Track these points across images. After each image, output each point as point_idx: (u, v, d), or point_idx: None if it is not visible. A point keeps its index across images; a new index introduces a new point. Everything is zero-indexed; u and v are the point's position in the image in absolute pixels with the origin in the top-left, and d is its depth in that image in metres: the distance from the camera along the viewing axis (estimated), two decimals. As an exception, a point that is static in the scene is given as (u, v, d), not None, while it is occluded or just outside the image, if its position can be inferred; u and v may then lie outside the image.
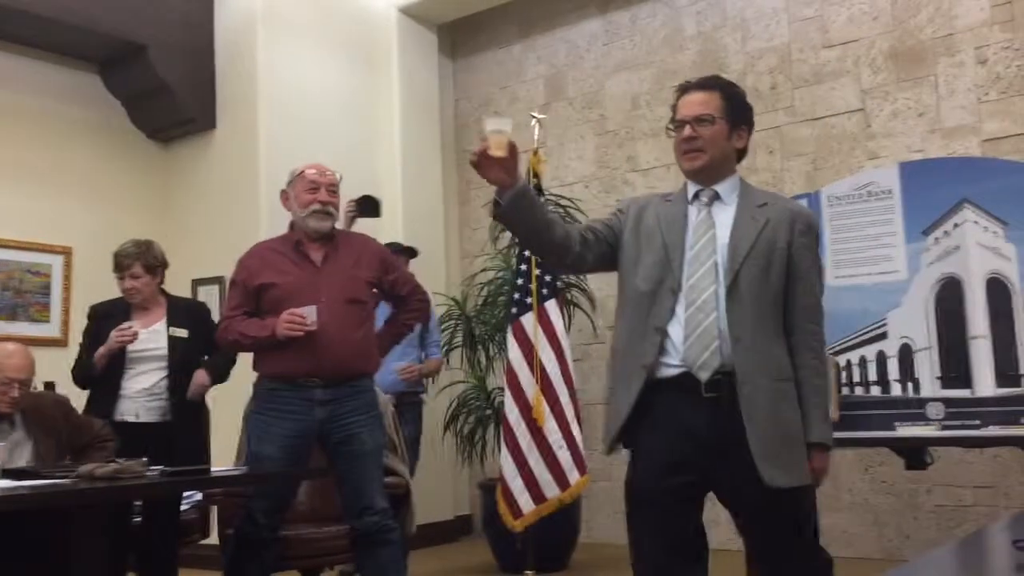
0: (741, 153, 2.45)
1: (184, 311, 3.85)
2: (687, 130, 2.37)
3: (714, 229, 2.34)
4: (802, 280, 2.33)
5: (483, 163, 2.23)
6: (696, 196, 2.40)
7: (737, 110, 2.40)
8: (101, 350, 3.65)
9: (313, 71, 5.94)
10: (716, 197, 2.38)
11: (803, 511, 2.32)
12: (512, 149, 2.24)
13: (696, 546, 2.34)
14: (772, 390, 2.25)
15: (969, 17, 4.96)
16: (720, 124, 2.36)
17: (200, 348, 3.84)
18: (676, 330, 2.28)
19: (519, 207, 2.28)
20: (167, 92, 5.69)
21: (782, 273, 2.31)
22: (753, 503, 2.28)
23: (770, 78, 5.55)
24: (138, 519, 3.57)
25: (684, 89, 2.44)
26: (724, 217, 2.35)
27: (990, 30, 4.90)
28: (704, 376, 2.25)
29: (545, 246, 2.39)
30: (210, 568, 4.90)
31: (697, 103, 2.38)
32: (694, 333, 2.26)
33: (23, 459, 3.23)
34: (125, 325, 3.65)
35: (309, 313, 3.22)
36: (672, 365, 2.28)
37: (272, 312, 3.33)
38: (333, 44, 6.08)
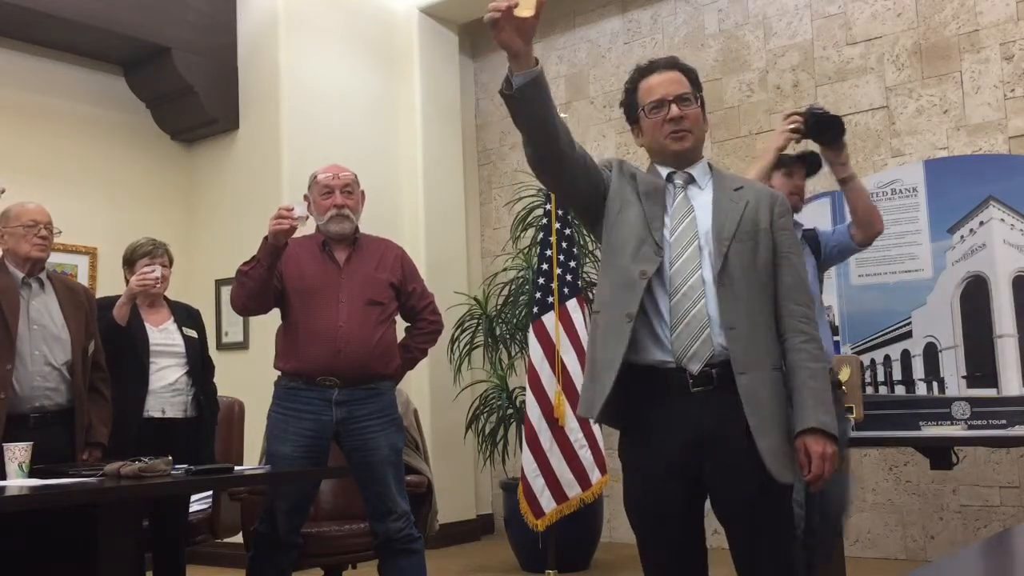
0: None
1: (186, 314, 3.86)
2: (674, 109, 2.20)
3: (694, 213, 2.20)
4: (785, 259, 2.20)
5: (502, 22, 1.95)
6: (669, 179, 2.25)
7: (700, 93, 2.28)
8: (122, 299, 3.62)
9: (335, 71, 5.96)
10: (691, 180, 2.25)
11: (790, 512, 2.20)
12: (539, 10, 1.95)
13: (700, 551, 2.22)
14: (772, 379, 2.12)
15: (994, 13, 4.91)
16: (697, 105, 2.25)
17: (204, 352, 3.86)
18: (659, 320, 2.13)
19: (532, 95, 2.03)
20: (190, 93, 5.74)
21: (768, 254, 2.18)
22: (745, 502, 2.12)
23: (793, 76, 5.52)
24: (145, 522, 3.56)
25: (652, 69, 2.27)
26: (702, 201, 2.22)
27: (1016, 26, 4.85)
28: (695, 368, 2.09)
29: (545, 150, 2.13)
30: (218, 566, 4.96)
31: (676, 82, 2.23)
32: (682, 323, 2.10)
33: (54, 321, 3.28)
34: (147, 268, 3.62)
35: (296, 205, 3.20)
36: (658, 355, 2.13)
37: (298, 308, 3.36)
38: (354, 44, 6.11)
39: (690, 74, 2.28)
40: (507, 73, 2.02)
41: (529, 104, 2.05)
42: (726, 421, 2.09)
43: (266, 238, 3.23)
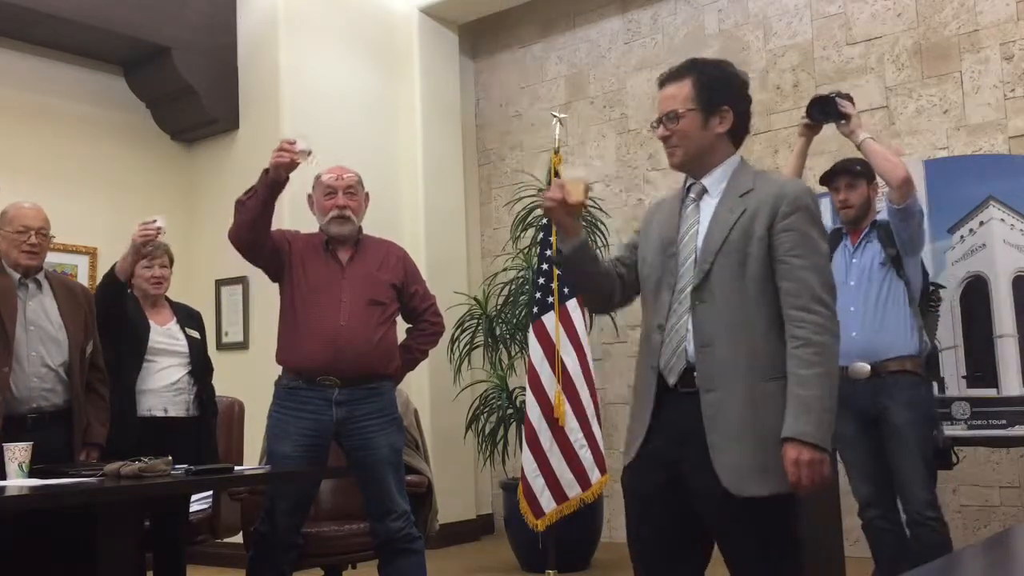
0: (736, 133, 2.29)
1: (187, 315, 3.86)
2: (660, 129, 2.28)
3: (698, 225, 2.24)
4: (782, 264, 2.15)
5: (557, 211, 2.22)
6: (688, 190, 2.31)
7: (712, 94, 2.24)
8: (125, 253, 3.55)
9: (335, 71, 5.96)
10: (704, 191, 2.28)
11: (774, 526, 2.13)
12: (587, 193, 2.26)
13: (688, 545, 2.22)
14: (750, 393, 2.11)
15: (994, 13, 4.91)
16: (690, 116, 2.23)
17: (206, 353, 3.86)
18: (658, 329, 2.24)
19: (581, 257, 2.31)
20: (190, 93, 5.74)
21: (763, 263, 2.15)
22: (714, 512, 2.15)
23: (793, 76, 5.52)
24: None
25: (661, 83, 2.33)
26: (707, 211, 2.25)
27: (1016, 25, 4.85)
28: (672, 380, 2.18)
29: (595, 297, 2.47)
30: (218, 566, 4.96)
31: (667, 98, 2.27)
32: (668, 335, 2.20)
33: (52, 321, 3.28)
34: (149, 219, 3.53)
35: (299, 140, 3.16)
36: (655, 360, 2.24)
37: (300, 306, 3.37)
38: (355, 44, 6.11)
39: (699, 75, 2.26)
40: (558, 245, 2.35)
41: (578, 265, 2.33)
42: (700, 424, 2.14)
43: (266, 171, 3.21)
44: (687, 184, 2.32)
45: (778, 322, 2.15)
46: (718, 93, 2.25)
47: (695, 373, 2.15)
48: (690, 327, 2.16)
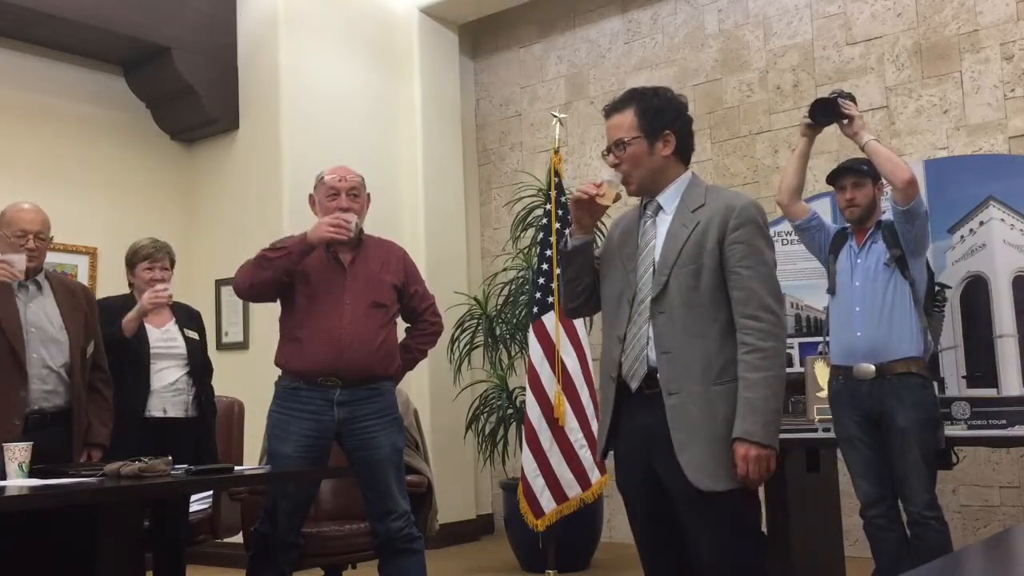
0: (682, 154, 2.43)
1: (187, 315, 3.87)
2: (611, 157, 2.42)
3: (655, 240, 2.39)
4: (733, 274, 2.30)
5: (584, 204, 2.37)
6: (645, 208, 2.46)
7: (653, 120, 2.38)
8: (132, 313, 3.62)
9: (335, 71, 5.96)
10: (659, 208, 2.42)
11: (732, 519, 2.28)
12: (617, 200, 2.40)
13: (673, 535, 2.35)
14: (706, 395, 2.26)
15: (994, 13, 4.91)
16: (636, 143, 2.38)
17: (205, 353, 3.87)
18: (618, 341, 2.38)
19: (583, 255, 2.48)
20: (190, 93, 5.74)
21: (715, 273, 2.30)
22: (682, 506, 2.30)
23: (793, 76, 5.52)
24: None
25: (605, 114, 2.48)
26: (663, 227, 2.39)
27: (1016, 25, 4.85)
28: (634, 385, 2.34)
29: (574, 296, 2.56)
30: (218, 566, 4.96)
31: (613, 128, 2.42)
32: (629, 344, 2.34)
33: (53, 322, 3.27)
34: (160, 287, 3.62)
35: (351, 216, 3.26)
36: (617, 370, 2.39)
37: (302, 308, 3.36)
38: (355, 44, 6.11)
39: (640, 103, 2.39)
40: (567, 236, 2.50)
41: (578, 259, 2.49)
42: (666, 424, 2.29)
43: (305, 234, 3.24)
44: (643, 202, 2.46)
45: (730, 328, 2.30)
46: (660, 119, 2.39)
47: (658, 376, 2.29)
48: (651, 335, 2.31)
